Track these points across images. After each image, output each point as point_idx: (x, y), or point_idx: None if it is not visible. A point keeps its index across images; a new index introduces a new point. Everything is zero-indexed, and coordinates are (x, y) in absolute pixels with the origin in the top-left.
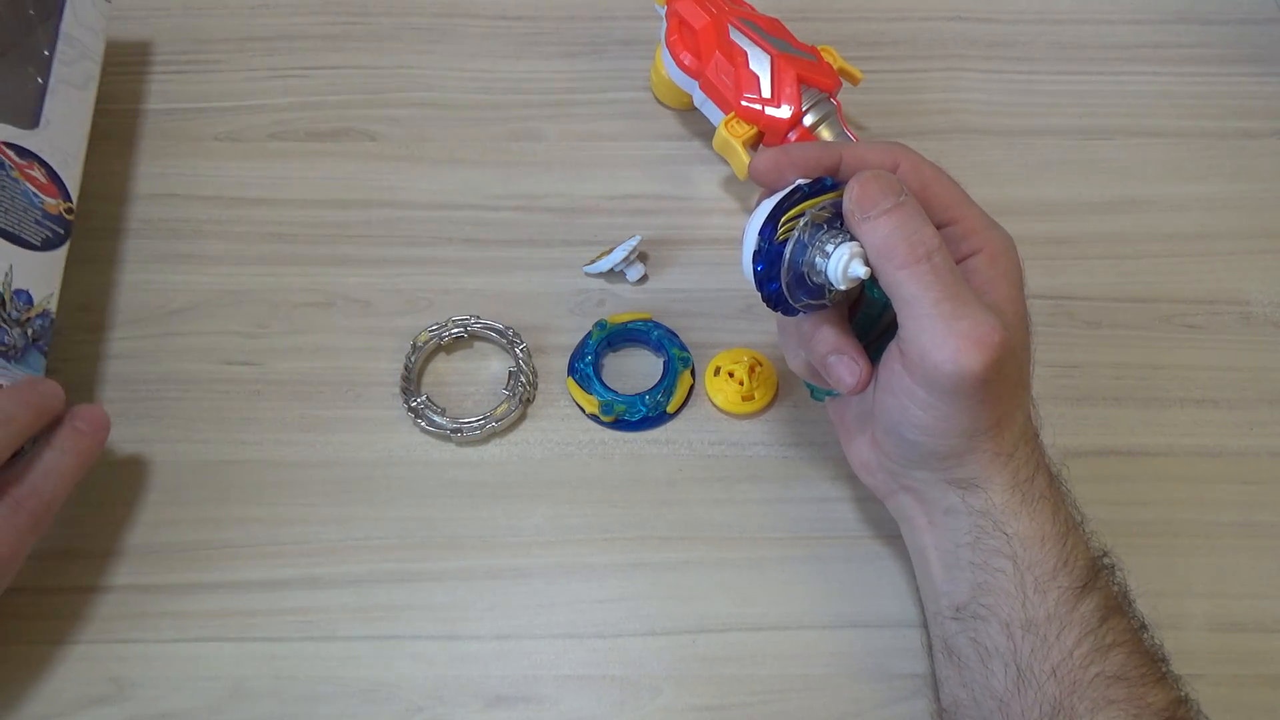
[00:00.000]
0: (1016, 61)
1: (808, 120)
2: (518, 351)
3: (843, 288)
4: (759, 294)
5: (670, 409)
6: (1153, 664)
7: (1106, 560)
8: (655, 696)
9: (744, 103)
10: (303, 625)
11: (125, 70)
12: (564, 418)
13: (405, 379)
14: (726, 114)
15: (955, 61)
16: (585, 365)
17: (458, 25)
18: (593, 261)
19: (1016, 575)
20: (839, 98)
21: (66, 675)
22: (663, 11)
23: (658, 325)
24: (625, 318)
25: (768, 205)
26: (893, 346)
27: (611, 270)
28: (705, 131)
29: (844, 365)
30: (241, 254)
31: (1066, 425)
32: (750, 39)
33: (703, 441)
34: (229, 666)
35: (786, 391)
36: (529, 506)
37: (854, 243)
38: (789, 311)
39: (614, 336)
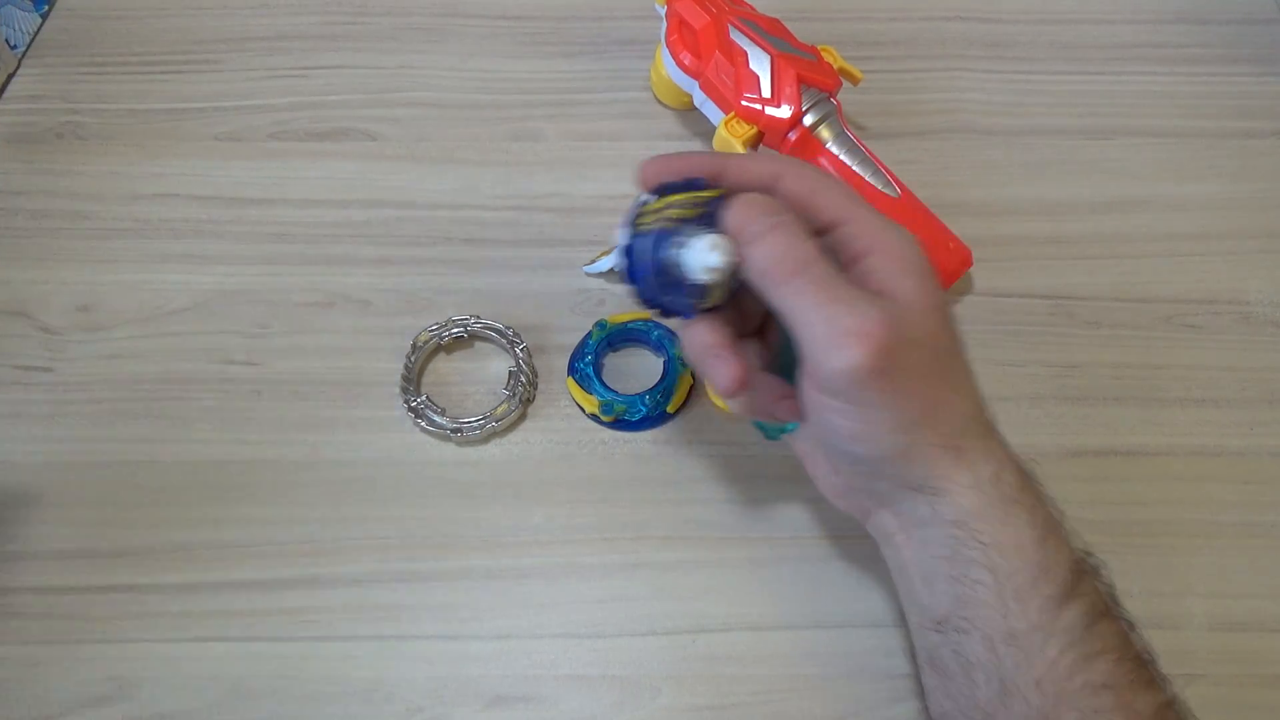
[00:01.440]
0: (1016, 61)
1: (808, 120)
2: (518, 351)
3: (703, 280)
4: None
5: (670, 409)
6: (1140, 667)
7: (1090, 561)
8: (655, 696)
9: (744, 103)
10: (303, 625)
11: (126, 70)
12: (564, 418)
13: (405, 379)
14: (726, 114)
15: (955, 61)
16: (585, 365)
17: (458, 25)
18: (593, 261)
19: (996, 586)
20: (839, 98)
21: (66, 675)
22: (663, 11)
23: (658, 325)
24: (625, 318)
25: (637, 203)
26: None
27: (611, 270)
28: (705, 131)
29: (718, 366)
30: (241, 254)
31: (1066, 425)
32: (750, 39)
33: (703, 441)
34: (229, 666)
35: None
36: (529, 506)
37: (714, 234)
38: (666, 311)
39: (614, 336)
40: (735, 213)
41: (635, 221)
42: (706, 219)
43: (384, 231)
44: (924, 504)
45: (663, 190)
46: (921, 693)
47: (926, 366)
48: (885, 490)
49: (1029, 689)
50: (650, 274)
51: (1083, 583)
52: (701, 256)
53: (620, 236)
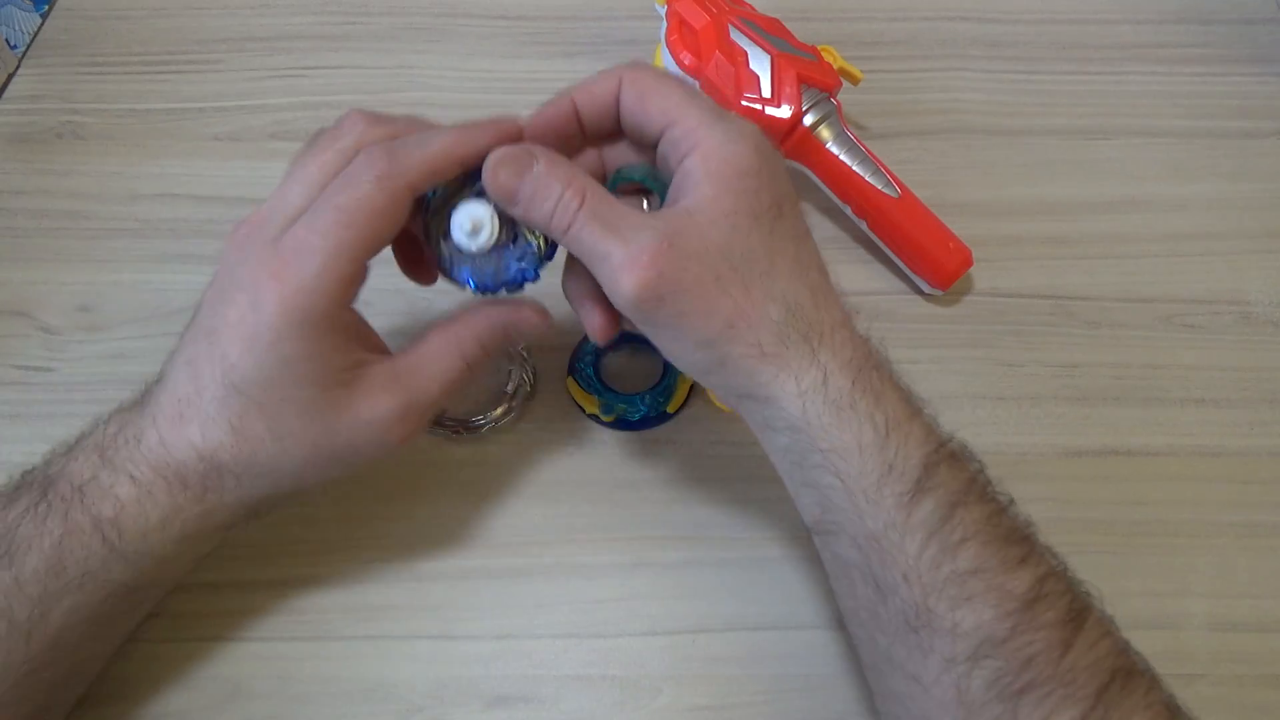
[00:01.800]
0: (1016, 61)
1: (808, 120)
2: (518, 351)
3: (473, 248)
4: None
5: (670, 409)
6: (1009, 547)
7: (950, 447)
8: (655, 696)
9: (744, 103)
10: (302, 625)
11: (126, 70)
12: (564, 418)
13: None
14: None
15: (955, 61)
16: (585, 365)
17: (458, 25)
18: None
19: (845, 490)
20: (839, 98)
21: None
22: (663, 11)
23: None
24: None
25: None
26: None
27: None
28: None
29: (585, 315)
30: None
31: (1067, 425)
32: (750, 39)
33: (703, 441)
34: (229, 666)
35: None
36: (529, 506)
37: (469, 204)
38: (515, 285)
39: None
40: (490, 178)
41: (427, 228)
42: (470, 190)
43: None
44: (758, 411)
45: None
46: None
47: (716, 280)
48: (721, 395)
49: (899, 584)
50: (471, 271)
51: (935, 475)
52: (465, 229)
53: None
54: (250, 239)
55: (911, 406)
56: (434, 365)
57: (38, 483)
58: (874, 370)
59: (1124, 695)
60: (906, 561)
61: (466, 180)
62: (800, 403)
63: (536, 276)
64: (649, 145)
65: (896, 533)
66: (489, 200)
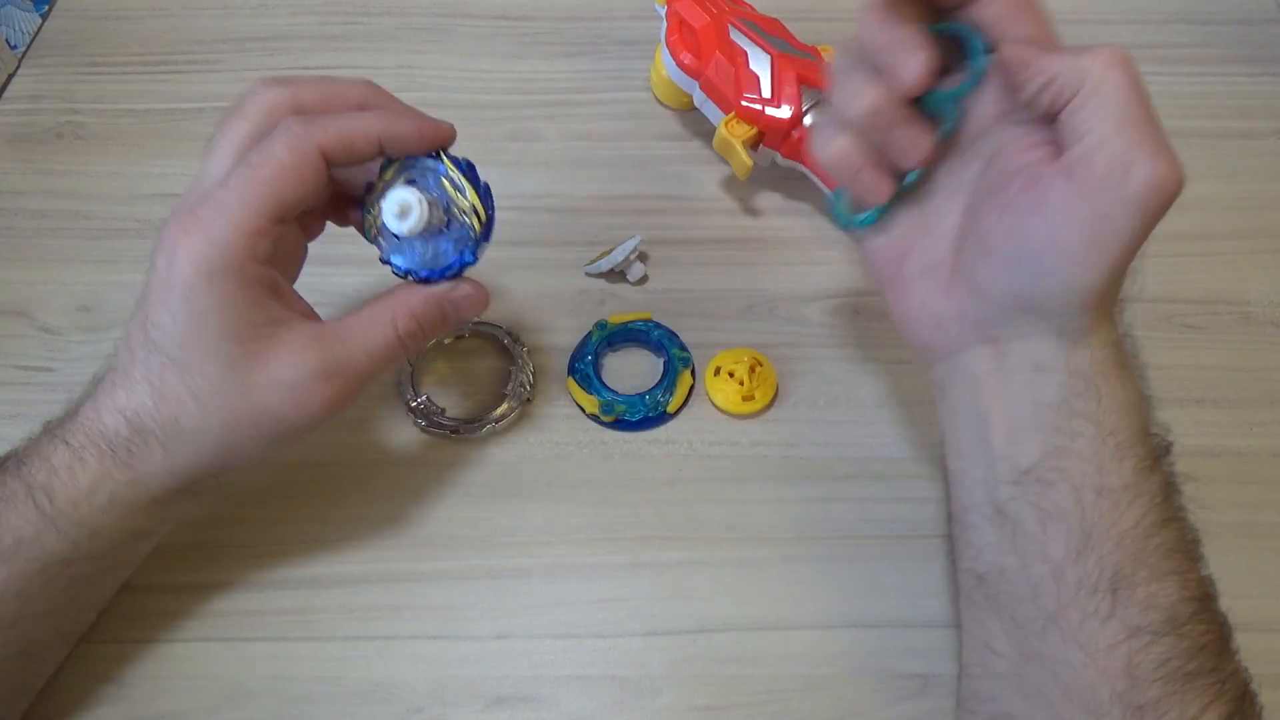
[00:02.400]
0: None
1: (808, 120)
2: (518, 351)
3: (402, 230)
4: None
5: (670, 409)
6: (1194, 541)
7: (1168, 440)
8: (655, 696)
9: (744, 103)
10: (302, 625)
11: (126, 70)
12: (564, 418)
13: (405, 379)
14: (726, 114)
15: None
16: (585, 365)
17: (458, 25)
18: (593, 261)
19: (1099, 439)
20: None
21: (66, 675)
22: (663, 11)
23: (658, 325)
24: (625, 318)
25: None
26: (1008, 144)
27: (611, 270)
28: (705, 131)
29: (908, 56)
30: None
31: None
32: (750, 39)
33: (703, 441)
34: (229, 666)
35: (786, 391)
36: (529, 506)
37: (397, 189)
38: (454, 271)
39: (614, 336)
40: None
41: (364, 220)
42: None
43: None
44: (1054, 349)
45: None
46: (924, 691)
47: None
48: (1016, 327)
49: (1110, 544)
50: (407, 258)
51: (1168, 453)
52: (394, 223)
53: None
54: (175, 211)
55: (1143, 387)
56: (363, 331)
57: (2, 463)
58: (1130, 340)
59: (1252, 712)
60: (1126, 524)
61: (402, 170)
62: (1104, 352)
63: (474, 259)
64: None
65: (1130, 494)
66: (418, 187)
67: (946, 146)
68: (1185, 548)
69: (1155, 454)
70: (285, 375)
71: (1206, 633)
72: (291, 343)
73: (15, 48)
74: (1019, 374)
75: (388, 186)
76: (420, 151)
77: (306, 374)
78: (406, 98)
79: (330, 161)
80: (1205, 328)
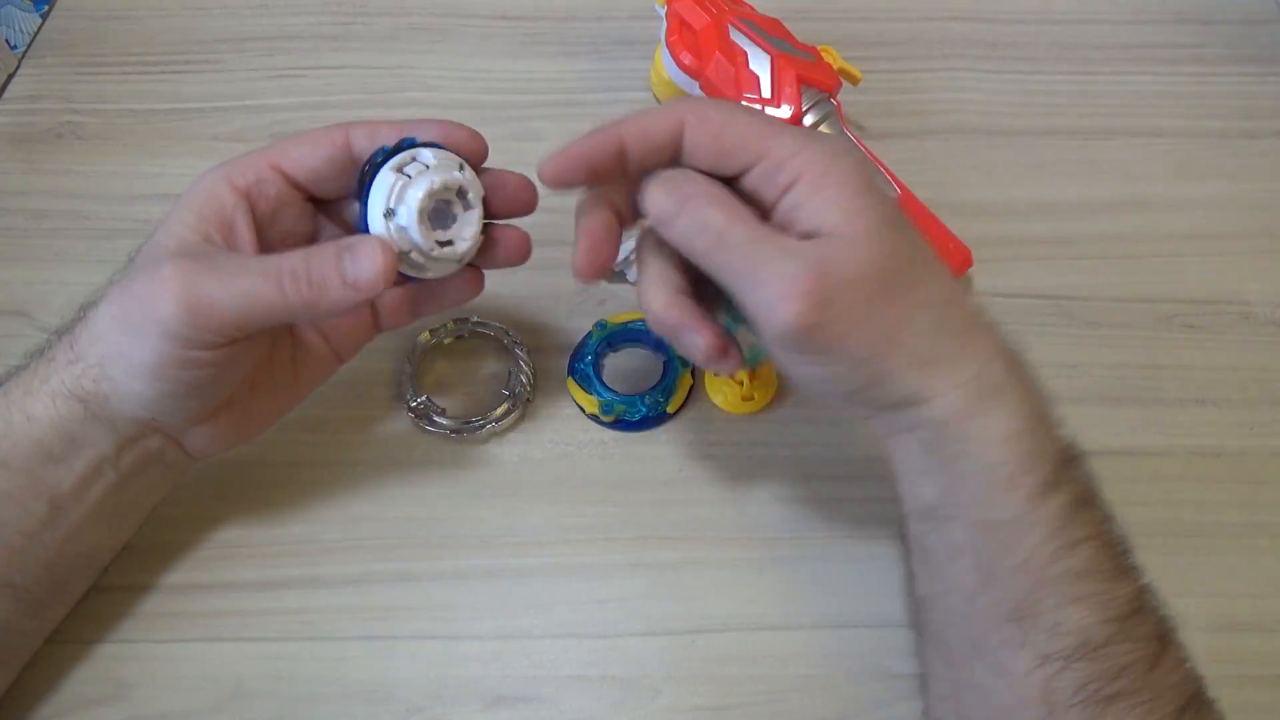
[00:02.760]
0: (1016, 61)
1: (808, 120)
2: (518, 351)
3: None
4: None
5: (670, 409)
6: (1118, 556)
7: (1074, 451)
8: (655, 696)
9: (744, 103)
10: (302, 625)
11: (126, 70)
12: (564, 418)
13: (405, 379)
14: None
15: (955, 61)
16: (585, 365)
17: (458, 25)
18: None
19: (980, 477)
20: (839, 98)
21: (66, 675)
22: (663, 11)
23: None
24: (625, 318)
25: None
26: None
27: (612, 270)
28: None
29: (687, 340)
30: None
31: (1067, 425)
32: (750, 39)
33: (703, 441)
34: (229, 666)
35: (786, 391)
36: (529, 506)
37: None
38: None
39: (614, 336)
40: (648, 203)
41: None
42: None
43: None
44: (906, 415)
45: (373, 158)
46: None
47: (872, 299)
48: (869, 410)
49: (1011, 574)
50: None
51: (1067, 471)
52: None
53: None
54: None
55: (1046, 401)
56: (254, 262)
57: None
58: (1017, 360)
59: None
60: (1025, 552)
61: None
62: (954, 395)
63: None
64: (726, 179)
65: (1023, 523)
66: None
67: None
68: (1104, 567)
69: (1051, 478)
70: (165, 263)
71: (1130, 652)
72: (198, 249)
73: (15, 48)
74: (901, 434)
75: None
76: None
77: (178, 267)
78: (406, 98)
79: (354, 143)
80: (1205, 328)
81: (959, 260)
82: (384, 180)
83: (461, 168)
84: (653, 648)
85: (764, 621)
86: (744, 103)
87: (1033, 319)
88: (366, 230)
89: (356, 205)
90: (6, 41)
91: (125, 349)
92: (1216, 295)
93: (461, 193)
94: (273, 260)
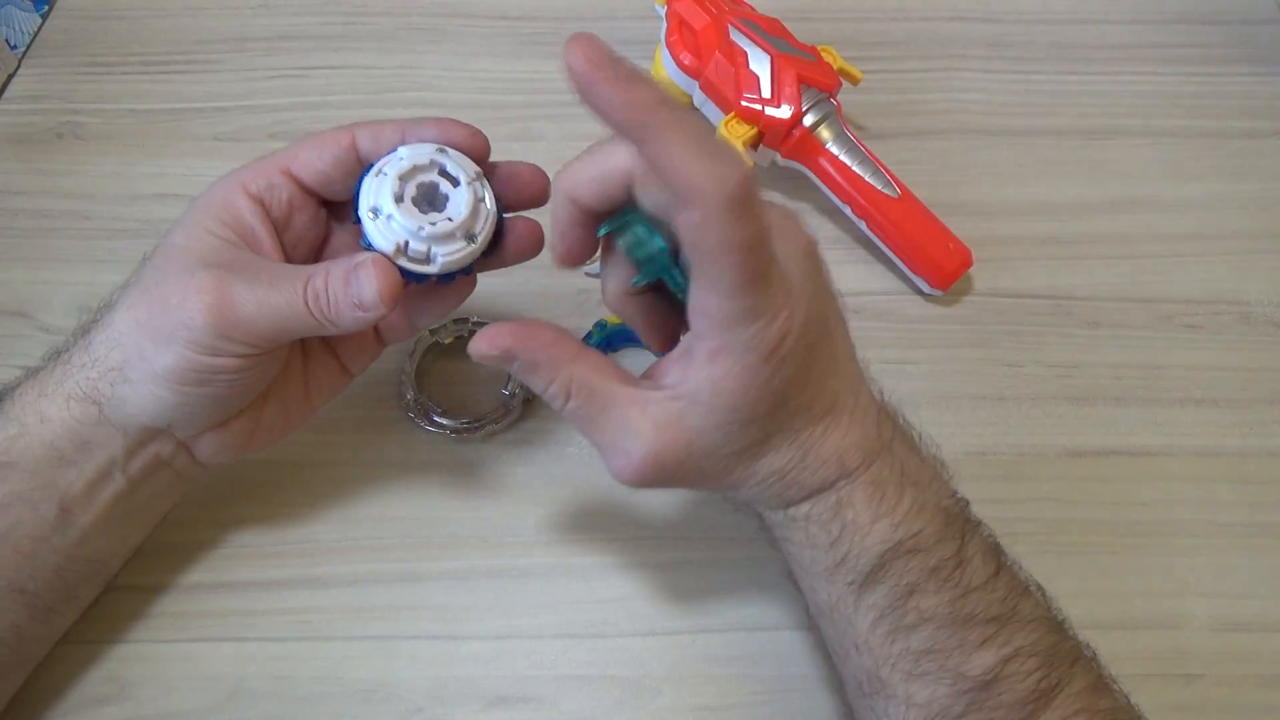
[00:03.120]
0: (1016, 61)
1: (808, 120)
2: None
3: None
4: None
5: None
6: (970, 630)
7: (913, 541)
8: (655, 696)
9: (744, 103)
10: (302, 625)
11: (126, 70)
12: (564, 418)
13: (405, 379)
14: (726, 114)
15: (955, 61)
16: None
17: (458, 25)
18: (593, 261)
19: (800, 568)
20: (839, 98)
21: (66, 675)
22: (663, 11)
23: None
24: (613, 322)
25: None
26: None
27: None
28: None
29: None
30: None
31: (1066, 425)
32: (750, 39)
33: None
34: (229, 666)
35: None
36: (529, 506)
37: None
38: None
39: (614, 336)
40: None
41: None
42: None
43: None
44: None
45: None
46: None
47: (700, 473)
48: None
49: (851, 652)
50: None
51: (889, 569)
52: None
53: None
54: None
55: (884, 505)
56: (280, 273)
57: None
58: (847, 483)
59: None
60: (858, 634)
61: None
62: (764, 513)
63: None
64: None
65: (849, 609)
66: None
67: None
68: (946, 645)
69: (865, 575)
70: (192, 270)
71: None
72: (221, 256)
73: (15, 48)
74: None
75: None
76: (448, 139)
77: (206, 276)
78: (406, 98)
79: (359, 144)
80: (1205, 328)
81: (959, 260)
82: (366, 186)
83: (443, 151)
84: (653, 648)
85: (764, 621)
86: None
87: (1033, 319)
88: (369, 244)
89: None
90: (6, 41)
91: (149, 354)
92: (1216, 295)
93: (444, 172)
94: (301, 274)
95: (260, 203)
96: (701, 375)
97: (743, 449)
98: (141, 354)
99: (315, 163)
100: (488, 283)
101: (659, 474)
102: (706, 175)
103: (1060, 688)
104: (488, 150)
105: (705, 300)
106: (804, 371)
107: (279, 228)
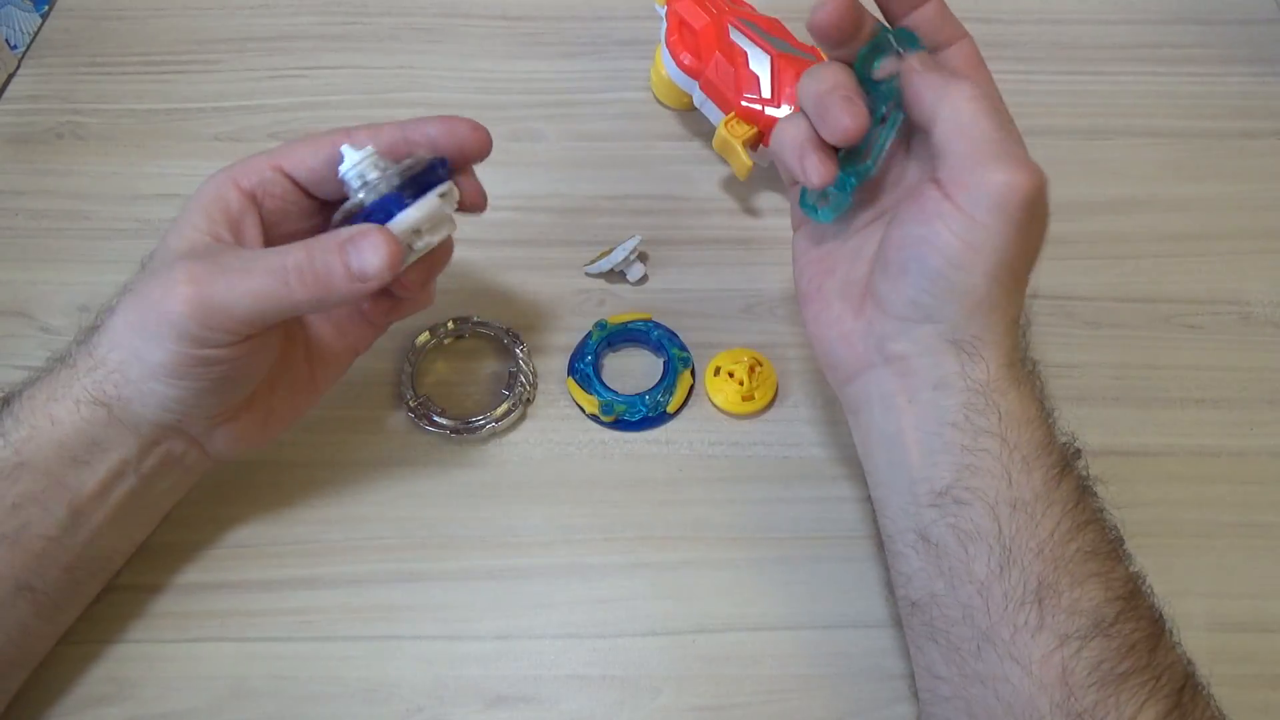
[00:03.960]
0: (1016, 61)
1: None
2: (518, 351)
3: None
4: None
5: (670, 409)
6: (1116, 540)
7: (1076, 445)
8: (655, 696)
9: (744, 103)
10: (303, 625)
11: (126, 70)
12: (564, 418)
13: (405, 379)
14: (726, 114)
15: None
16: (585, 365)
17: (458, 25)
18: (593, 261)
19: (1004, 454)
20: None
21: (66, 675)
22: (663, 11)
23: (658, 325)
24: (625, 318)
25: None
26: (912, 174)
27: (611, 270)
28: (705, 131)
29: (807, 162)
30: None
31: (1066, 425)
32: (750, 39)
33: (703, 441)
34: (229, 666)
35: (786, 391)
36: (529, 506)
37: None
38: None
39: (614, 336)
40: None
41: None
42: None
43: None
44: (953, 363)
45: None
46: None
47: (1038, 235)
48: (920, 339)
49: (1030, 556)
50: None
51: (1075, 458)
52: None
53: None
54: None
55: (1049, 403)
56: (258, 258)
57: None
58: (1032, 361)
59: (1194, 703)
60: (1043, 534)
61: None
62: (1004, 367)
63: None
64: None
65: (1042, 504)
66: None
67: (883, 164)
68: (1105, 548)
69: (1063, 462)
70: (175, 265)
71: (1135, 630)
72: (205, 250)
73: (15, 48)
74: (923, 392)
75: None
76: (439, 138)
77: (187, 270)
78: (406, 98)
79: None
80: (1205, 328)
81: None
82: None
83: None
84: (653, 648)
85: (764, 621)
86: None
87: (1033, 319)
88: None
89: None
90: (6, 41)
91: (141, 352)
92: (1216, 295)
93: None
94: (277, 256)
95: (251, 198)
96: (981, 188)
97: (1001, 271)
98: (136, 353)
99: (309, 160)
100: (486, 282)
101: (1041, 203)
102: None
103: (1163, 615)
104: (490, 145)
105: (960, 136)
106: (1032, 252)
107: (271, 223)
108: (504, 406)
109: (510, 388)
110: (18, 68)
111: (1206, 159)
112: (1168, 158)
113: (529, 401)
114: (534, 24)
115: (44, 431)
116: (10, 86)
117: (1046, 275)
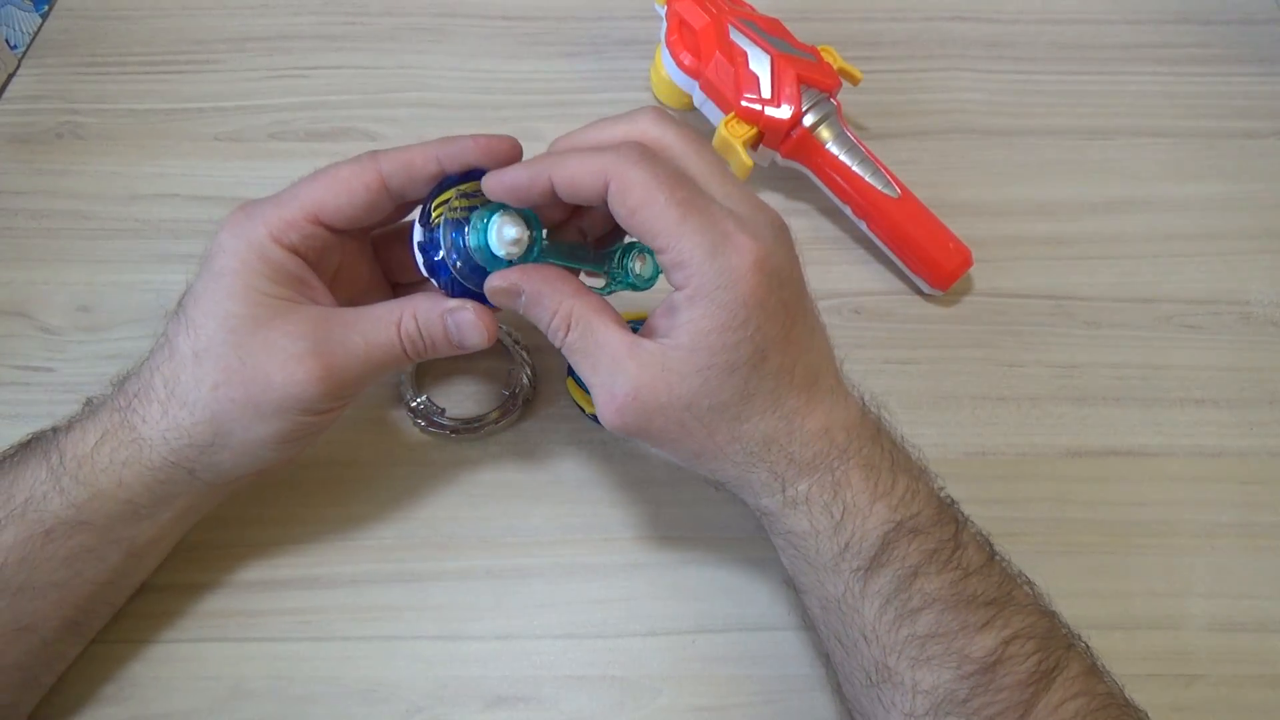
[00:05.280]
0: (1016, 61)
1: (808, 120)
2: (518, 351)
3: (501, 253)
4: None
5: None
6: (972, 613)
7: (914, 522)
8: (655, 697)
9: (744, 103)
10: (302, 625)
11: (126, 70)
12: (564, 418)
13: (406, 379)
14: (726, 114)
15: (955, 61)
16: None
17: (458, 25)
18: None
19: (806, 564)
20: (839, 98)
21: (67, 675)
22: (663, 11)
23: None
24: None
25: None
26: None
27: None
28: (705, 131)
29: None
30: None
31: (1066, 425)
32: (750, 39)
33: None
34: (229, 666)
35: None
36: (529, 506)
37: (502, 212)
38: (467, 294)
39: None
40: (526, 287)
41: (429, 220)
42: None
43: None
44: (740, 496)
45: (443, 185)
46: None
47: (680, 425)
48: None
49: (859, 642)
50: (457, 261)
51: (893, 550)
52: (499, 232)
53: (416, 234)
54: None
55: (880, 487)
56: (368, 320)
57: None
58: (840, 461)
59: None
60: (865, 623)
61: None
62: (765, 500)
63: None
64: None
65: (854, 598)
66: (509, 214)
67: None
68: (949, 629)
69: (869, 561)
70: (279, 342)
71: (992, 704)
72: (295, 317)
73: (15, 48)
74: (749, 499)
75: (477, 212)
76: (478, 161)
77: (301, 346)
78: (406, 98)
79: (390, 182)
80: (1205, 328)
81: (959, 260)
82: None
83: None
84: (653, 648)
85: (764, 621)
86: (687, 149)
87: (1033, 319)
88: (435, 262)
89: (420, 255)
90: (6, 41)
91: (254, 427)
92: (1216, 295)
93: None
94: (386, 318)
95: (295, 251)
96: (682, 319)
97: (724, 403)
98: (245, 428)
99: (347, 210)
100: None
101: (641, 415)
102: (601, 157)
103: (1059, 670)
104: (521, 155)
105: (669, 250)
106: (782, 328)
107: (319, 268)
108: (504, 407)
109: (510, 388)
110: (18, 68)
111: (1206, 159)
112: (1168, 158)
113: (529, 401)
114: (534, 24)
115: (109, 494)
116: (10, 86)
117: (1046, 275)
